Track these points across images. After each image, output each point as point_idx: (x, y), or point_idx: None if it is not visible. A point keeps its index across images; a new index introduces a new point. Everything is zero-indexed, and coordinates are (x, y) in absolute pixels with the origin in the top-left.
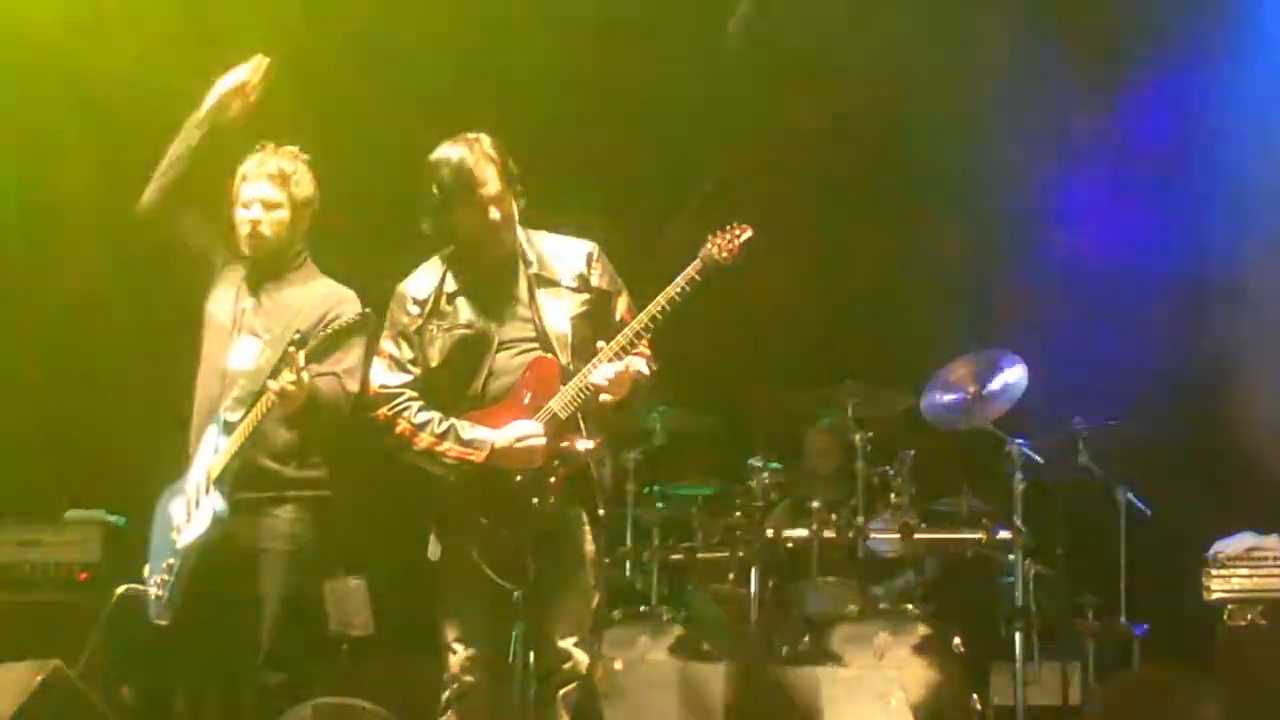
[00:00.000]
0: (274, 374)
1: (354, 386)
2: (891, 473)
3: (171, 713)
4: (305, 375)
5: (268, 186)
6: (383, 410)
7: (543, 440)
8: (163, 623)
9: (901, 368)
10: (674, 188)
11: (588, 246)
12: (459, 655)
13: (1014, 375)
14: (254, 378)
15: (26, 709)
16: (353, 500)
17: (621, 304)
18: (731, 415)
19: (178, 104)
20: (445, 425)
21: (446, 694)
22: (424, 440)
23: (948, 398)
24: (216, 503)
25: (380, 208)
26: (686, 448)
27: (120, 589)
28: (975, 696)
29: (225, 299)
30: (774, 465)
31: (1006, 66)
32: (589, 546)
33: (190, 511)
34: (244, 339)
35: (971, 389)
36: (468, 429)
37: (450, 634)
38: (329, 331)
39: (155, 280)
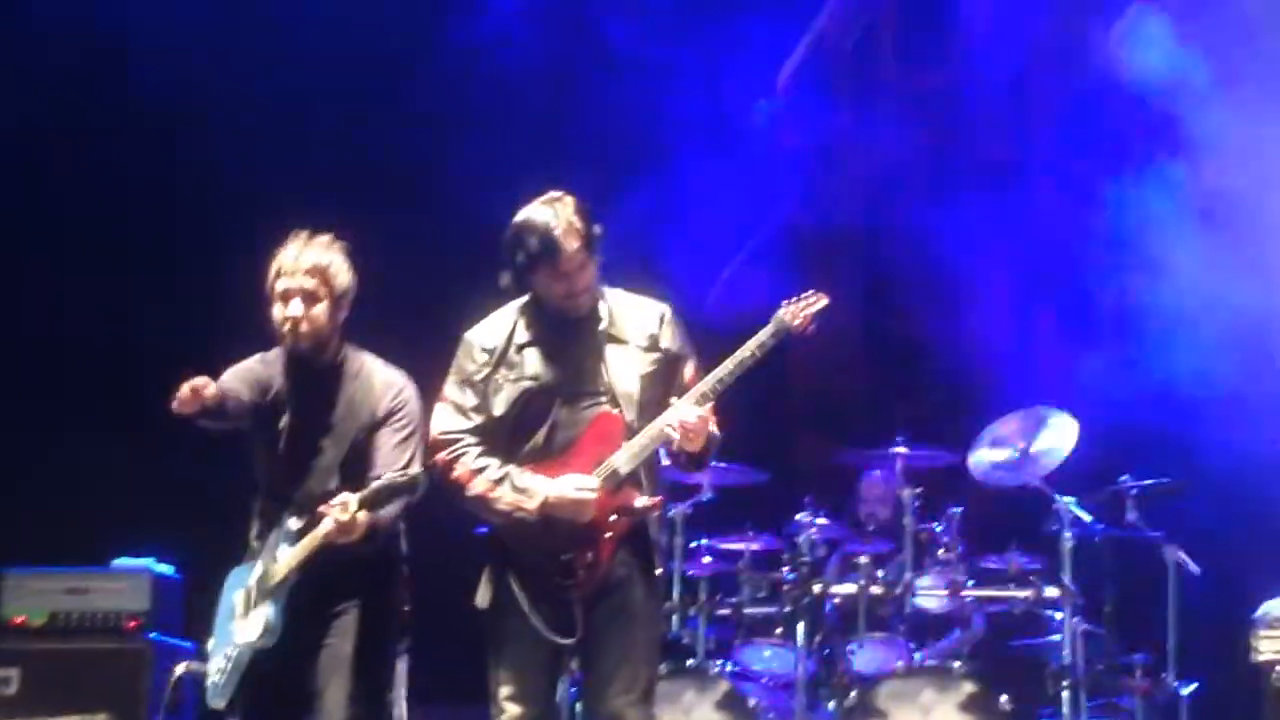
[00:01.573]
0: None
1: (416, 470)
2: (939, 529)
3: None
4: (362, 516)
5: (305, 280)
6: (441, 455)
7: (595, 494)
8: (219, 706)
9: (950, 424)
10: None
11: (661, 308)
12: (508, 714)
13: (1063, 432)
14: (317, 480)
15: None
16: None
17: (689, 368)
18: (779, 470)
19: None
20: (501, 472)
21: None
22: (478, 486)
23: (996, 454)
24: (270, 613)
25: None
26: (734, 502)
27: (180, 668)
28: None
29: (281, 396)
30: (822, 520)
31: None
32: (644, 605)
33: (248, 608)
34: (302, 439)
35: (1020, 445)
36: (523, 477)
37: (500, 690)
38: (383, 485)
39: (206, 332)
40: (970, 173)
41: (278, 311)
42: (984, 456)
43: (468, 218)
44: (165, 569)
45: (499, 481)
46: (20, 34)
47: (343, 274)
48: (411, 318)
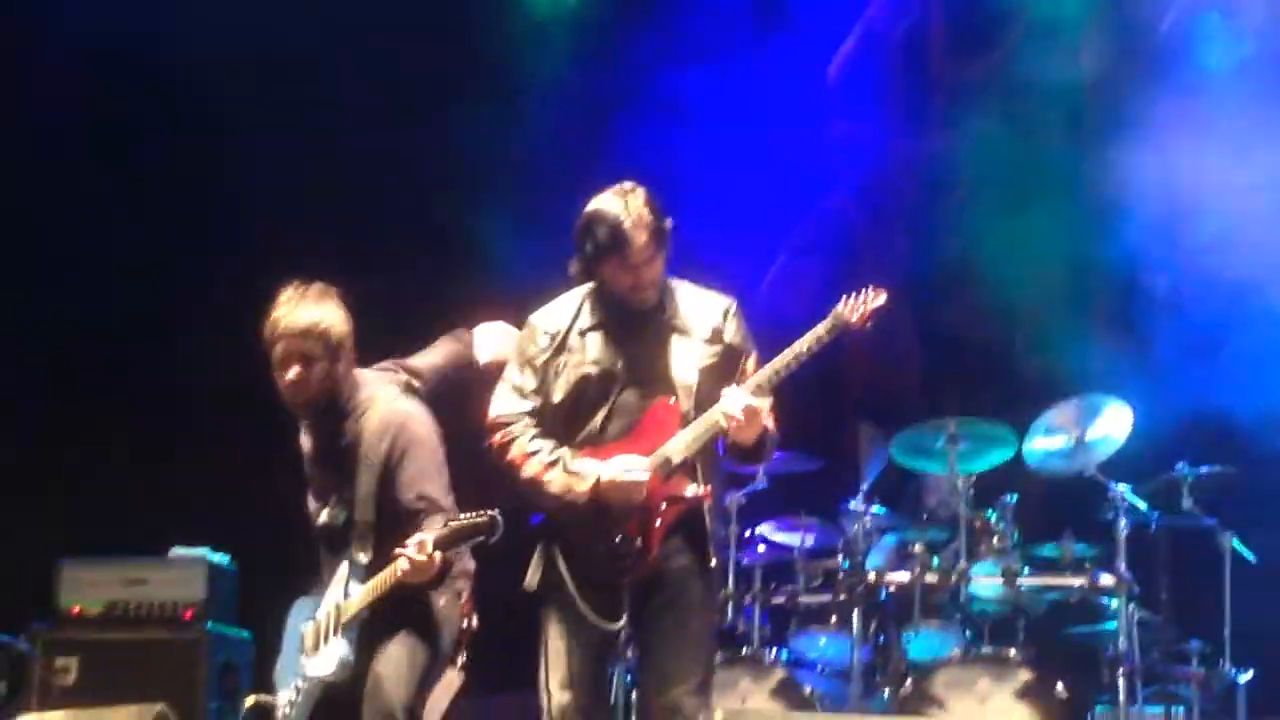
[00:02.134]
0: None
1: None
2: (994, 517)
3: None
4: (437, 557)
5: (300, 344)
6: (496, 437)
7: (646, 476)
8: None
9: (1005, 411)
10: None
11: (726, 301)
12: (556, 700)
13: (1117, 420)
14: (363, 509)
15: None
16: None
17: (750, 363)
18: (834, 458)
19: None
20: (554, 455)
21: None
22: (531, 468)
23: (1051, 442)
24: (343, 650)
25: None
26: (788, 490)
27: (250, 701)
28: None
29: (304, 440)
30: (876, 509)
31: None
32: (701, 596)
33: (319, 643)
34: (342, 475)
35: (1074, 434)
36: (576, 460)
37: (550, 676)
38: (461, 526)
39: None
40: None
41: (278, 377)
42: (1039, 444)
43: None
44: (221, 559)
45: (552, 464)
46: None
47: (337, 325)
48: None
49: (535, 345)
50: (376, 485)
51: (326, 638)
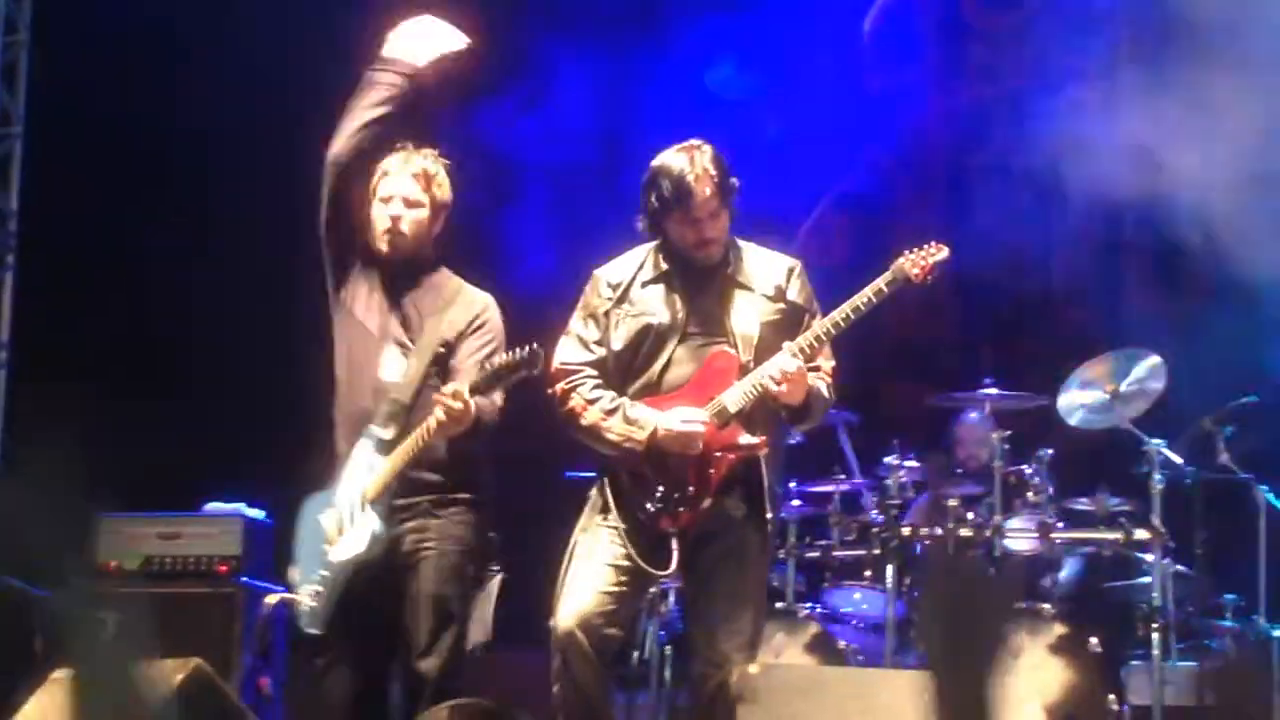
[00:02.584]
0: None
1: (500, 401)
2: (1029, 471)
3: (314, 707)
4: (472, 404)
5: (410, 184)
6: (560, 385)
7: (704, 427)
8: (315, 632)
9: (1040, 365)
10: None
11: (791, 262)
12: (563, 627)
13: (1152, 374)
14: (402, 390)
15: (167, 708)
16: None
17: (815, 324)
18: (869, 412)
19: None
20: (614, 404)
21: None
22: (592, 415)
23: (1085, 397)
24: (374, 523)
25: None
26: (824, 445)
27: (272, 599)
28: (1112, 696)
29: (369, 304)
30: (911, 463)
31: None
32: (756, 551)
33: (344, 527)
34: (388, 347)
35: (1109, 388)
36: (635, 409)
37: (563, 603)
38: (498, 366)
39: (292, 276)
40: (1043, 115)
41: (378, 212)
42: (1073, 399)
43: None
44: (256, 514)
45: (611, 412)
46: None
47: (446, 186)
48: None
49: (599, 296)
50: (425, 368)
51: (352, 519)
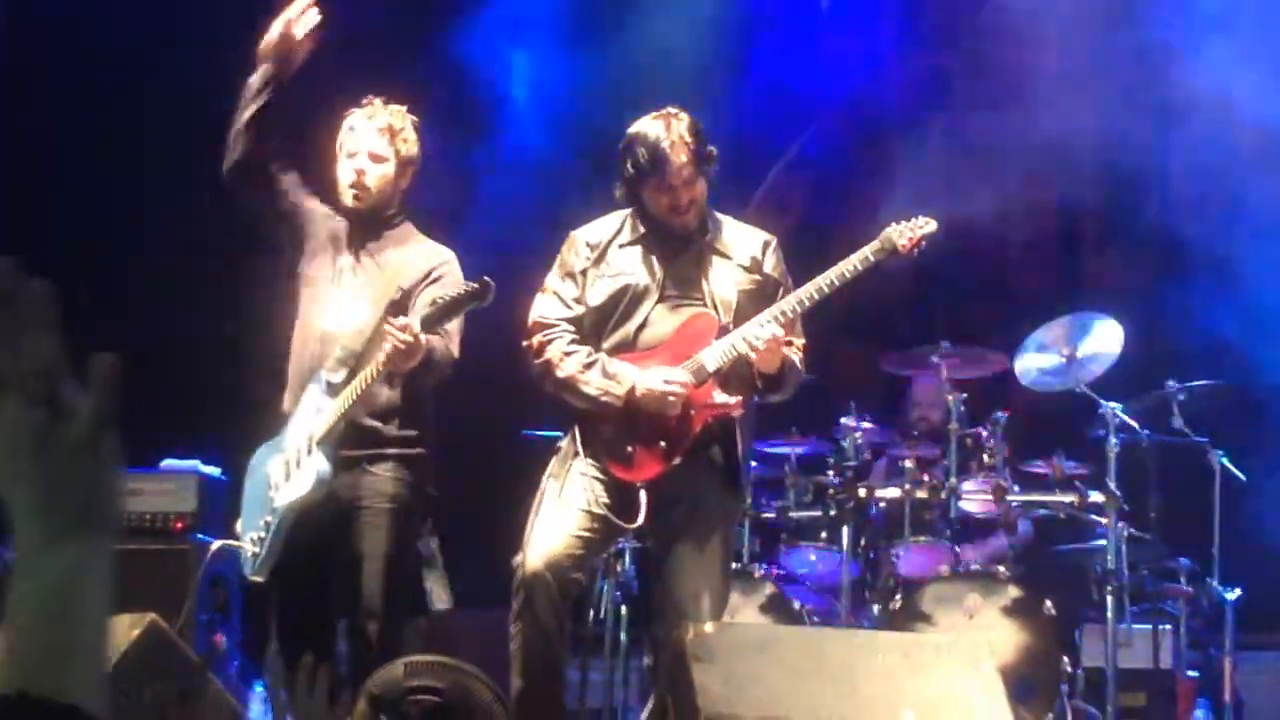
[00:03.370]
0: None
1: (456, 350)
2: (985, 434)
3: (265, 662)
4: (423, 338)
5: (376, 139)
6: (536, 338)
7: (684, 390)
8: (258, 579)
9: (996, 329)
10: None
11: (767, 236)
12: (529, 568)
13: (1108, 338)
14: (355, 338)
15: (122, 661)
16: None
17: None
18: (825, 374)
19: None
20: (592, 358)
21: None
22: (569, 367)
23: (1041, 360)
24: (320, 464)
25: None
26: (780, 406)
27: (215, 545)
28: (1066, 659)
29: (324, 258)
30: (867, 424)
31: None
32: (721, 512)
33: (290, 471)
34: (343, 297)
35: (1065, 351)
36: (613, 364)
37: (530, 546)
38: (449, 298)
39: (250, 236)
40: (1001, 78)
41: (343, 167)
42: (1030, 362)
43: None
44: (212, 471)
45: (589, 366)
46: None
47: (412, 142)
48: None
49: (576, 255)
50: (379, 317)
51: (299, 462)
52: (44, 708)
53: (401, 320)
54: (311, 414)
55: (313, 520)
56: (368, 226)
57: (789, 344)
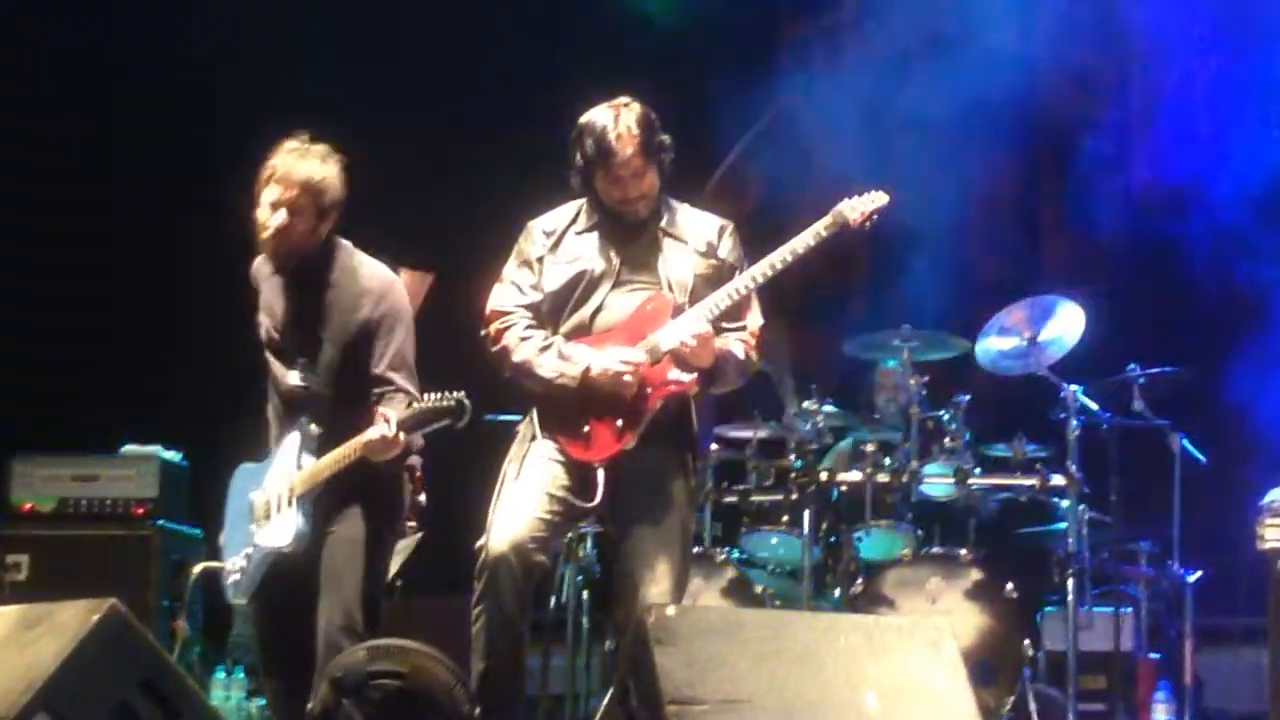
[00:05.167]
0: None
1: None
2: (946, 417)
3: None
4: (402, 437)
5: (293, 194)
6: (494, 326)
7: (638, 369)
8: (240, 603)
9: (957, 312)
10: None
11: (722, 221)
12: (494, 549)
13: (1070, 321)
14: (322, 384)
15: (82, 647)
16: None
17: None
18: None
19: None
20: (548, 341)
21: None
22: (525, 351)
23: (1003, 343)
24: (300, 522)
25: None
26: (742, 390)
27: (198, 568)
28: (1027, 642)
29: (268, 298)
30: (829, 408)
31: None
32: (679, 495)
33: (271, 513)
34: (295, 337)
35: (1027, 334)
36: (568, 346)
37: (495, 527)
38: (427, 409)
39: (207, 219)
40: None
41: (261, 215)
42: (991, 345)
43: None
44: (173, 456)
45: (544, 349)
46: None
47: (334, 189)
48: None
49: (532, 243)
50: (341, 356)
51: (280, 508)
52: None
53: (384, 414)
54: (292, 463)
55: (292, 561)
56: (296, 271)
57: (741, 328)
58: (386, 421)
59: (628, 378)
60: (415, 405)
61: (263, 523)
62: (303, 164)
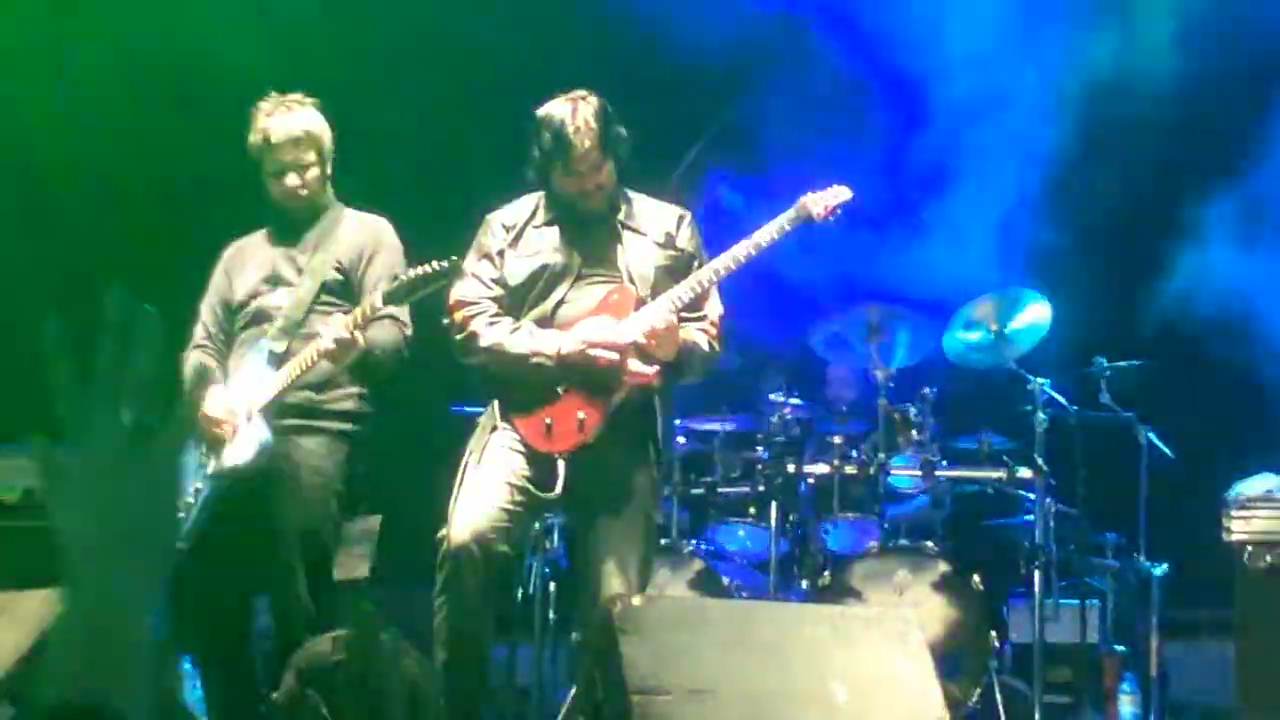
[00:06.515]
0: (324, 318)
1: (410, 331)
2: (913, 409)
3: (185, 638)
4: (359, 335)
5: (299, 151)
6: (459, 314)
7: (615, 343)
8: (181, 546)
9: (925, 304)
10: None
11: (681, 211)
12: (455, 538)
13: (1037, 314)
14: (294, 309)
15: (44, 637)
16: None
17: None
18: (754, 350)
19: None
20: (515, 326)
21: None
22: (495, 335)
23: (970, 336)
24: (263, 433)
25: None
26: (708, 382)
27: None
28: (994, 634)
29: (262, 258)
30: (795, 400)
31: None
32: (642, 487)
33: (228, 436)
34: (281, 269)
35: (994, 327)
36: (538, 330)
37: (456, 515)
38: (413, 276)
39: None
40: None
41: (276, 185)
42: (958, 338)
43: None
44: None
45: (515, 331)
46: None
47: (326, 132)
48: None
49: (492, 237)
50: (316, 289)
51: (242, 426)
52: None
53: (341, 317)
54: (253, 381)
55: (238, 492)
56: (305, 215)
57: (701, 318)
58: (345, 322)
59: (606, 351)
60: (401, 276)
61: (216, 447)
62: (293, 119)
